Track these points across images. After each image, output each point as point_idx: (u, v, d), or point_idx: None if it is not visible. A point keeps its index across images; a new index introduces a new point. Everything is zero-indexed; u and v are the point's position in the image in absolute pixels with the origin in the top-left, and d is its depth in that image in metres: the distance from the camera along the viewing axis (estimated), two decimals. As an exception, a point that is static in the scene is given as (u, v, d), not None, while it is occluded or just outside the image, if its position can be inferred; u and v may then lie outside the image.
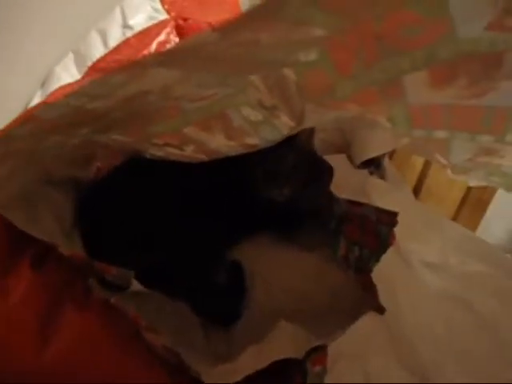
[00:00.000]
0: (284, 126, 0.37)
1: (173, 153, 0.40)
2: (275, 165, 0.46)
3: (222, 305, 0.48)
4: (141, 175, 0.44)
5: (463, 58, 0.25)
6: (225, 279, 0.49)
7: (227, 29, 0.22)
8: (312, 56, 0.28)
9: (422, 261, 0.41)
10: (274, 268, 0.50)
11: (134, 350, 0.36)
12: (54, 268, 0.36)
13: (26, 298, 0.33)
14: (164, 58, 0.25)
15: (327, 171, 0.44)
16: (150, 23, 0.46)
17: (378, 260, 0.40)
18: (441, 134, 0.34)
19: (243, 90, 0.32)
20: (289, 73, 0.31)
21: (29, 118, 0.27)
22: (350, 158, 0.48)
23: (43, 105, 0.28)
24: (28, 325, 0.33)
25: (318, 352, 0.38)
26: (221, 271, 0.49)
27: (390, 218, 0.41)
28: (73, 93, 0.26)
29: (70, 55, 0.50)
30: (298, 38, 0.25)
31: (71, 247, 0.39)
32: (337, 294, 0.46)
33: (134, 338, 0.36)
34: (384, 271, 0.40)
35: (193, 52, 0.25)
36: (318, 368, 0.38)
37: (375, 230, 0.44)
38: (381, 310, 0.40)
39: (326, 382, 0.37)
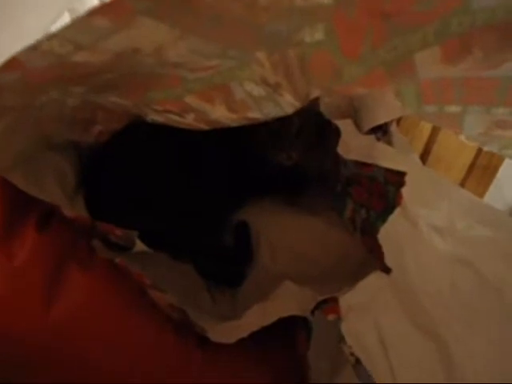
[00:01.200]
0: (287, 104, 0.36)
1: (173, 119, 0.40)
2: (281, 127, 0.45)
3: (228, 265, 0.48)
4: (145, 139, 0.44)
5: (477, 29, 0.24)
6: (230, 241, 0.49)
7: None
8: (318, 35, 0.27)
9: (429, 224, 0.40)
10: (280, 232, 0.49)
11: (139, 307, 0.36)
12: (58, 229, 0.36)
13: (31, 259, 0.33)
14: (152, 3, 0.23)
15: (333, 133, 0.43)
16: (149, -21, 0.44)
17: (384, 220, 0.40)
18: (453, 108, 0.33)
19: (247, 64, 0.31)
20: (294, 56, 0.30)
21: (13, 64, 0.26)
22: (356, 123, 0.47)
23: (26, 49, 0.26)
24: (33, 285, 0.33)
25: (328, 303, 0.39)
26: (226, 233, 0.49)
27: (398, 177, 0.41)
28: (54, 35, 0.25)
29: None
30: (303, 6, 0.24)
31: (74, 210, 0.38)
32: (343, 257, 0.46)
33: (138, 297, 0.37)
34: (391, 232, 0.40)
35: (186, 3, 0.23)
36: (332, 316, 0.39)
37: (383, 192, 0.44)
38: (387, 270, 0.40)
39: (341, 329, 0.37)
